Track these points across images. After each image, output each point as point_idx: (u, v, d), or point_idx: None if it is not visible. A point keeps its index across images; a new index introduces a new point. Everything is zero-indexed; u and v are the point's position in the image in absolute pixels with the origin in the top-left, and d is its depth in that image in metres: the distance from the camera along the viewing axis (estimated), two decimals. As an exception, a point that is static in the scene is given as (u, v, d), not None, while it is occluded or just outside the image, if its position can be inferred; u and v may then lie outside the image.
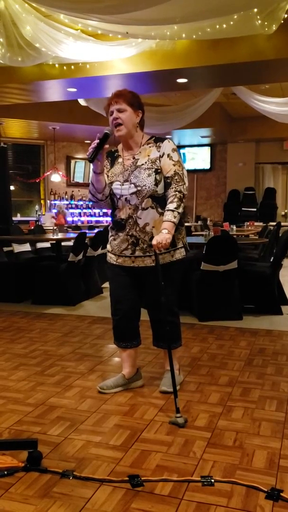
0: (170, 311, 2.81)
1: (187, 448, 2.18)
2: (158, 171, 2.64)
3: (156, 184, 2.63)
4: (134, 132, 2.70)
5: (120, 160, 2.76)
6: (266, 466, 2.03)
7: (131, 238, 2.70)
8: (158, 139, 2.72)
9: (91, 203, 2.85)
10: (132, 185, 2.65)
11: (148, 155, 2.68)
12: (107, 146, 2.58)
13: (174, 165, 2.64)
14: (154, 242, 2.52)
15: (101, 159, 2.61)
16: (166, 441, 2.25)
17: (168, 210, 2.59)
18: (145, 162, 2.66)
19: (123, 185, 2.67)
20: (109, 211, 2.86)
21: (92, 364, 3.40)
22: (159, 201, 2.66)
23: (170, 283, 2.77)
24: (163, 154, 2.66)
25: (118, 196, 2.70)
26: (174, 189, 2.61)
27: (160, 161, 2.65)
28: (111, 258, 2.85)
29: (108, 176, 2.75)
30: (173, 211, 2.58)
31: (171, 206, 2.59)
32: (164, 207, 2.65)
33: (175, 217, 2.57)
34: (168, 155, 2.65)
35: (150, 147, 2.70)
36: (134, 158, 2.71)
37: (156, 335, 2.95)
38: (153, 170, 2.64)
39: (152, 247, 2.60)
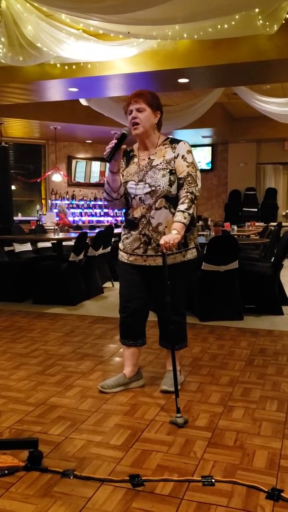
0: (178, 311, 2.84)
1: (188, 448, 2.18)
2: (172, 172, 2.67)
3: (170, 185, 2.66)
4: (151, 132, 2.73)
5: (135, 160, 2.78)
6: (267, 466, 2.03)
7: (143, 237, 2.72)
8: (173, 140, 2.75)
9: (105, 202, 2.87)
10: (147, 185, 2.67)
11: (164, 156, 2.70)
12: (124, 146, 2.61)
13: (188, 166, 2.66)
14: (162, 241, 2.54)
15: (118, 158, 2.63)
16: (167, 441, 2.25)
17: (178, 210, 2.61)
18: (160, 163, 2.69)
19: (137, 184, 2.70)
20: (117, 211, 2.89)
21: (93, 364, 3.40)
22: (173, 202, 2.68)
23: (181, 283, 2.81)
24: (178, 155, 2.68)
25: (132, 196, 2.73)
26: (186, 190, 2.63)
27: (174, 162, 2.68)
28: (123, 256, 2.86)
29: (123, 175, 2.77)
30: (183, 212, 2.60)
31: (182, 207, 2.61)
32: (177, 207, 2.66)
33: (185, 218, 2.59)
34: (183, 157, 2.67)
35: (165, 148, 2.73)
36: (149, 158, 2.73)
37: (163, 335, 2.97)
38: (168, 170, 2.66)
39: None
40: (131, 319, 2.86)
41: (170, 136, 2.81)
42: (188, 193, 2.62)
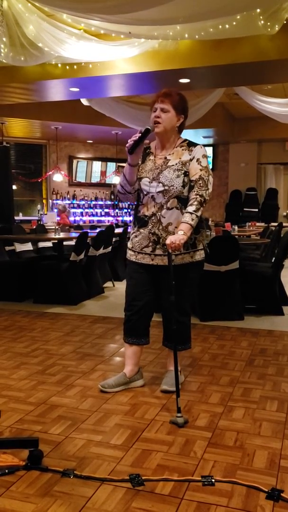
0: (184, 311, 2.85)
1: (188, 448, 2.19)
2: (187, 174, 2.69)
3: (184, 186, 2.68)
4: (172, 134, 2.75)
5: (151, 157, 2.81)
6: (267, 466, 2.04)
7: (153, 236, 2.74)
8: (191, 143, 2.78)
9: (119, 195, 2.89)
10: (160, 184, 2.69)
11: (180, 158, 2.72)
12: (147, 141, 2.64)
13: (201, 170, 2.68)
14: (168, 241, 2.55)
15: (139, 152, 2.68)
16: (167, 441, 2.25)
17: (187, 212, 2.63)
18: (176, 164, 2.71)
19: (151, 182, 2.72)
20: (117, 211, 2.89)
21: (93, 364, 3.41)
22: (185, 203, 2.70)
23: (188, 284, 2.82)
24: (193, 158, 2.70)
25: (145, 192, 2.75)
26: (196, 192, 2.65)
27: (189, 164, 2.70)
28: (131, 255, 2.87)
29: (138, 170, 2.79)
30: (191, 213, 2.61)
31: (190, 208, 2.62)
32: None
33: (192, 219, 2.60)
34: (198, 160, 2.69)
35: (182, 150, 2.75)
36: (166, 158, 2.76)
37: (167, 335, 2.97)
38: (183, 172, 2.69)
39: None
40: (136, 317, 2.86)
41: (187, 139, 2.83)
42: (198, 196, 2.64)
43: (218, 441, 2.25)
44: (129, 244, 2.90)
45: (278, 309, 4.95)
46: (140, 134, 2.60)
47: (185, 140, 2.81)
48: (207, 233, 6.29)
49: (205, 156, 2.73)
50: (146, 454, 2.13)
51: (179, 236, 2.54)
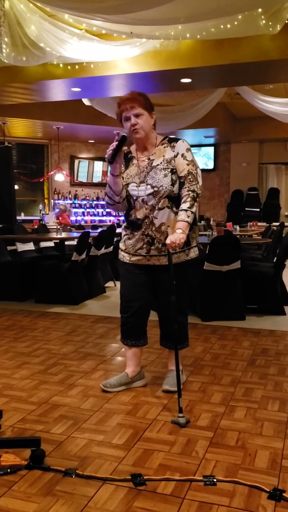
0: (182, 310, 2.84)
1: (190, 448, 2.19)
2: (173, 171, 2.66)
3: (173, 184, 2.66)
4: (151, 133, 2.73)
5: (134, 161, 2.77)
6: (269, 466, 2.04)
7: (146, 238, 2.72)
8: (172, 139, 2.74)
9: (108, 206, 2.86)
10: (149, 186, 2.67)
11: (163, 156, 2.69)
12: (125, 148, 2.61)
13: (188, 164, 2.65)
14: (168, 241, 2.54)
15: (119, 161, 2.63)
16: (169, 441, 2.25)
17: (182, 209, 2.61)
18: (161, 163, 2.68)
19: (139, 186, 2.69)
20: (123, 212, 2.87)
21: (95, 363, 3.41)
22: (175, 201, 2.68)
23: (184, 282, 2.81)
24: (177, 154, 2.67)
25: (134, 198, 2.72)
26: (187, 188, 2.63)
27: (174, 161, 2.67)
28: (124, 256, 2.86)
29: (123, 178, 2.76)
30: (186, 210, 2.59)
31: (184, 205, 2.60)
32: (179, 206, 2.66)
33: (188, 216, 2.59)
34: (182, 155, 2.67)
35: (164, 147, 2.72)
36: (149, 159, 2.72)
37: (164, 335, 2.97)
38: (169, 170, 2.66)
39: (166, 246, 2.62)
40: (133, 319, 2.86)
41: (168, 135, 2.80)
42: (190, 192, 2.62)
43: (219, 441, 2.25)
44: (122, 246, 2.87)
45: (279, 309, 4.95)
46: (118, 142, 2.55)
47: (166, 136, 2.78)
48: (208, 232, 6.30)
49: (188, 149, 2.70)
50: (147, 453, 2.13)
51: (178, 235, 2.53)
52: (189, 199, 2.61)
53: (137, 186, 2.70)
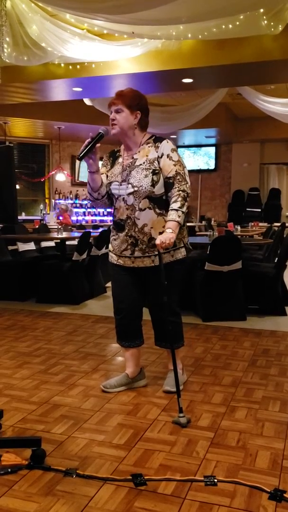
0: (172, 311, 2.81)
1: (190, 448, 2.19)
2: (155, 172, 2.63)
3: (153, 185, 2.62)
4: (131, 133, 2.68)
5: (120, 160, 2.76)
6: (269, 466, 2.03)
7: (130, 239, 2.70)
8: (157, 139, 2.71)
9: (89, 201, 2.87)
10: (130, 185, 2.64)
11: (147, 155, 2.66)
12: (98, 145, 2.59)
13: (174, 165, 2.63)
14: (157, 241, 2.51)
15: (94, 158, 2.62)
16: (169, 441, 2.25)
17: (172, 209, 2.58)
18: (143, 163, 2.65)
19: (121, 185, 2.67)
20: (112, 211, 2.87)
21: (96, 363, 3.41)
22: (157, 202, 2.66)
23: (172, 283, 2.76)
24: (162, 155, 2.64)
25: (116, 196, 2.71)
26: (177, 188, 2.60)
27: (159, 162, 2.64)
28: (112, 257, 2.86)
29: (107, 176, 2.76)
30: (177, 210, 2.56)
31: (175, 205, 2.58)
32: (162, 207, 2.65)
33: (179, 216, 2.56)
34: (168, 156, 2.64)
35: (149, 147, 2.69)
36: (133, 158, 2.70)
37: (158, 335, 2.96)
38: (151, 171, 2.62)
39: (154, 247, 2.61)
40: (125, 321, 2.85)
41: (154, 134, 2.77)
42: (180, 191, 2.59)
43: (220, 441, 2.25)
44: (110, 247, 2.88)
45: (281, 309, 4.95)
46: (91, 139, 2.55)
47: (152, 136, 2.74)
48: (209, 232, 6.30)
49: (174, 150, 2.67)
50: (148, 454, 2.13)
51: (168, 235, 2.50)
52: (179, 199, 2.58)
53: (119, 185, 2.68)
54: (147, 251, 2.68)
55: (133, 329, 2.88)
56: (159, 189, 2.64)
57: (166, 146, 2.66)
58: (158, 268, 2.63)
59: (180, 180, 2.61)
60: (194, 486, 1.88)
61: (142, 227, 2.66)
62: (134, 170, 2.66)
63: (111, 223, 2.88)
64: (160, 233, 2.61)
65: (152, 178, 2.62)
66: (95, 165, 2.65)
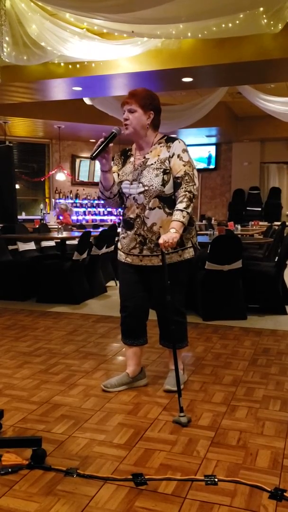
0: (177, 310, 2.82)
1: (191, 447, 2.18)
2: (166, 172, 2.64)
3: (163, 185, 2.64)
4: (144, 133, 2.70)
5: (131, 159, 2.78)
6: (270, 466, 2.03)
7: (139, 237, 2.72)
8: (169, 139, 2.72)
9: (102, 201, 2.88)
10: (140, 184, 2.66)
11: (158, 155, 2.68)
12: (111, 144, 2.60)
13: (184, 165, 2.64)
14: (161, 241, 2.52)
15: (108, 157, 2.63)
16: (170, 440, 2.25)
17: (177, 209, 2.59)
18: (155, 162, 2.67)
19: (131, 184, 2.69)
20: (120, 210, 2.88)
21: (96, 363, 3.41)
22: (167, 201, 2.67)
23: (178, 283, 2.79)
24: (173, 154, 2.66)
25: (126, 195, 2.73)
26: (184, 189, 2.61)
27: (169, 161, 2.65)
28: (121, 256, 2.87)
29: (119, 174, 2.77)
30: (182, 210, 2.58)
31: (180, 205, 2.59)
32: (172, 207, 2.66)
33: (183, 216, 2.57)
34: (178, 156, 2.65)
35: (161, 147, 2.71)
36: (144, 157, 2.72)
37: (163, 334, 2.96)
38: (162, 170, 2.64)
39: (159, 246, 2.61)
40: (131, 319, 2.86)
41: (166, 135, 2.78)
42: (187, 192, 2.60)
43: (221, 441, 2.25)
44: (119, 245, 2.90)
45: (281, 308, 4.95)
46: (104, 139, 2.55)
47: (164, 136, 2.76)
48: (209, 231, 6.29)
49: (185, 150, 2.68)
50: (149, 453, 2.13)
51: (171, 235, 2.51)
52: (185, 199, 2.59)
53: (129, 184, 2.70)
54: (155, 250, 2.69)
55: (138, 327, 2.89)
56: (169, 188, 2.66)
57: (177, 146, 2.68)
58: (167, 267, 2.64)
59: (188, 180, 2.62)
60: (195, 485, 1.88)
61: (151, 226, 2.68)
62: (145, 169, 2.67)
63: (121, 221, 2.90)
64: None
65: (163, 177, 2.64)
66: (108, 164, 2.66)
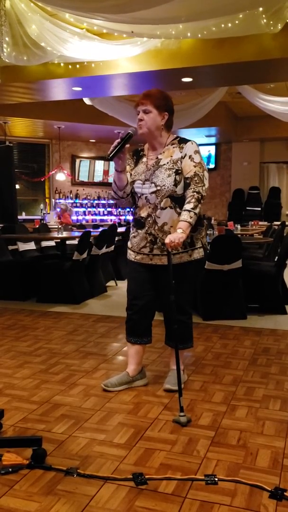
0: (183, 310, 2.85)
1: (191, 447, 2.19)
2: (178, 172, 2.67)
3: (176, 185, 2.67)
4: (158, 133, 2.73)
5: (144, 159, 2.80)
6: (270, 465, 2.03)
7: (149, 236, 2.74)
8: (182, 140, 2.75)
9: (113, 200, 2.89)
10: (153, 184, 2.69)
11: (171, 156, 2.71)
12: (128, 145, 2.62)
13: (195, 166, 2.66)
14: (167, 240, 2.54)
15: (123, 157, 2.66)
16: (170, 440, 2.25)
17: (185, 210, 2.62)
18: (167, 162, 2.69)
19: (144, 184, 2.72)
20: (120, 210, 2.90)
21: (96, 362, 3.41)
22: (178, 201, 2.69)
23: (187, 283, 2.82)
24: (185, 155, 2.68)
25: (139, 195, 2.75)
26: (192, 189, 2.63)
27: (181, 162, 2.68)
28: (131, 255, 2.89)
29: (131, 174, 2.79)
30: (189, 211, 2.59)
31: (188, 206, 2.61)
32: (183, 207, 2.67)
33: (191, 217, 2.59)
34: (190, 157, 2.68)
35: (173, 147, 2.73)
36: (157, 158, 2.75)
37: (169, 334, 2.97)
38: (174, 170, 2.67)
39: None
40: (137, 316, 2.87)
41: (179, 136, 2.81)
42: (195, 193, 2.63)
43: (221, 440, 2.25)
44: (129, 244, 2.91)
45: (281, 308, 4.95)
46: (120, 139, 2.57)
47: (177, 137, 2.78)
48: (209, 231, 6.30)
49: (197, 152, 2.71)
50: (149, 453, 2.14)
51: (178, 235, 2.53)
52: (193, 200, 2.61)
53: (142, 184, 2.73)
54: (165, 249, 2.71)
55: (144, 326, 2.90)
56: (181, 189, 2.69)
57: (190, 147, 2.71)
58: (176, 267, 2.67)
59: (197, 181, 2.64)
60: (195, 485, 1.89)
61: (162, 226, 2.70)
62: (158, 169, 2.70)
63: (132, 221, 2.92)
64: None
65: (175, 178, 2.66)
66: (123, 164, 2.69)
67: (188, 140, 2.75)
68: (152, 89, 2.77)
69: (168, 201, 2.68)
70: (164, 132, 2.76)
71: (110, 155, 2.59)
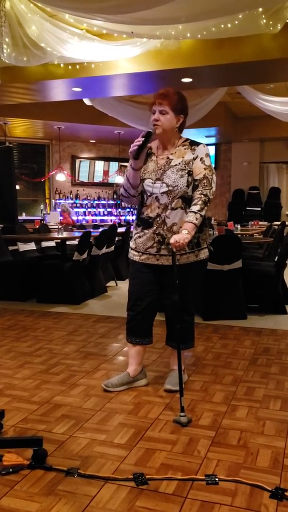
0: (188, 310, 2.86)
1: (192, 447, 2.19)
2: (190, 173, 2.69)
3: (188, 186, 2.68)
4: (172, 135, 2.75)
5: (153, 158, 2.80)
6: (270, 465, 2.04)
7: (157, 237, 2.74)
8: (193, 142, 2.77)
9: (122, 198, 2.88)
10: (164, 184, 2.69)
11: (183, 157, 2.72)
12: (150, 144, 2.65)
13: (205, 169, 2.68)
14: (172, 240, 2.54)
15: (142, 156, 2.67)
16: (171, 440, 2.26)
17: (191, 211, 2.63)
18: (179, 163, 2.70)
19: (155, 183, 2.72)
20: (120, 210, 2.90)
21: (97, 363, 3.41)
22: (189, 202, 2.70)
23: (192, 283, 2.83)
24: (197, 157, 2.70)
25: (148, 194, 2.75)
26: (200, 192, 2.65)
27: (192, 163, 2.69)
28: (134, 255, 2.87)
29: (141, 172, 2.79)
30: (195, 213, 2.61)
31: (194, 208, 2.62)
32: None
33: (197, 219, 2.60)
34: (201, 159, 2.69)
35: (185, 149, 2.74)
36: (168, 158, 2.75)
37: (170, 334, 2.97)
38: (186, 171, 2.68)
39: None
40: (140, 317, 2.86)
41: (189, 138, 2.82)
42: (202, 195, 2.64)
43: (221, 440, 2.26)
44: (132, 244, 2.89)
45: (281, 308, 4.95)
46: (143, 138, 2.59)
47: (187, 139, 2.80)
48: (210, 232, 6.30)
49: (208, 155, 2.74)
50: (149, 453, 2.14)
51: (183, 236, 2.54)
52: (200, 202, 2.63)
53: (152, 183, 2.72)
54: (171, 249, 2.71)
55: (146, 326, 2.90)
56: (191, 190, 2.70)
57: (202, 149, 2.73)
58: (182, 267, 2.68)
59: (205, 184, 2.66)
60: (196, 485, 1.89)
61: (171, 226, 2.71)
62: (169, 170, 2.71)
63: (136, 220, 2.91)
64: None
65: (187, 178, 2.68)
66: (141, 163, 2.70)
67: (200, 143, 2.77)
68: (169, 88, 2.76)
69: (179, 202, 2.69)
70: (177, 133, 2.78)
71: (136, 155, 2.60)
